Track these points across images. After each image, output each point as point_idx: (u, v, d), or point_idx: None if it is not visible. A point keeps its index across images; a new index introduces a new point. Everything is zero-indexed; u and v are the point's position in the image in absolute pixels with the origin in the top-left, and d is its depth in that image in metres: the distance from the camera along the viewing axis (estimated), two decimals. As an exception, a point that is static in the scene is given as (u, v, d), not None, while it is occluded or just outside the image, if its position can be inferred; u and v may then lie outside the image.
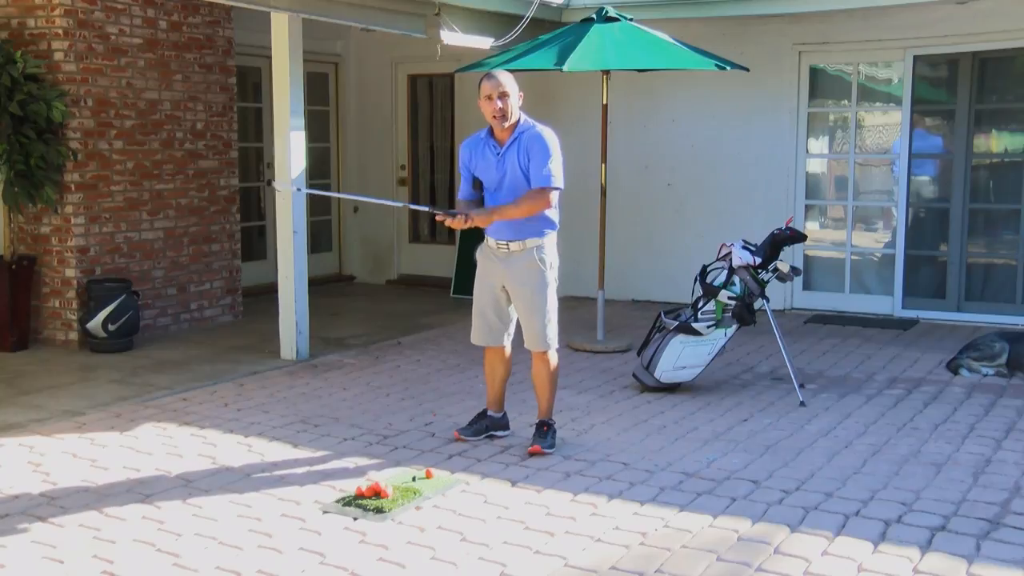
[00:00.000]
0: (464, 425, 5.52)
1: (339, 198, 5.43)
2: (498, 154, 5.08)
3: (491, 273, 5.24)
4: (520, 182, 5.05)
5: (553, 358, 5.27)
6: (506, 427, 5.57)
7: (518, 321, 5.35)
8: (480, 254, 5.32)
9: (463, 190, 5.27)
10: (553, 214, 5.16)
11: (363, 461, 5.17)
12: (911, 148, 9.03)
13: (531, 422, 5.75)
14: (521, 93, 5.09)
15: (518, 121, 5.08)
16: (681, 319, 6.46)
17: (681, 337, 6.40)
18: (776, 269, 6.49)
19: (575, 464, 5.08)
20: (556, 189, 5.01)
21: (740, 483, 4.79)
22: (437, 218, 5.09)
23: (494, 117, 5.04)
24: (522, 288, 5.16)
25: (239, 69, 9.29)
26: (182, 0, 8.44)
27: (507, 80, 5.04)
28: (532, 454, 5.18)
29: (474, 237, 5.68)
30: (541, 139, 5.02)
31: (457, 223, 5.00)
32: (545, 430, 5.30)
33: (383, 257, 11.65)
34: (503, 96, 4.98)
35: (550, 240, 5.19)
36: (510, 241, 5.11)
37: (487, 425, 5.49)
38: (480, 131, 5.23)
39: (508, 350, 5.42)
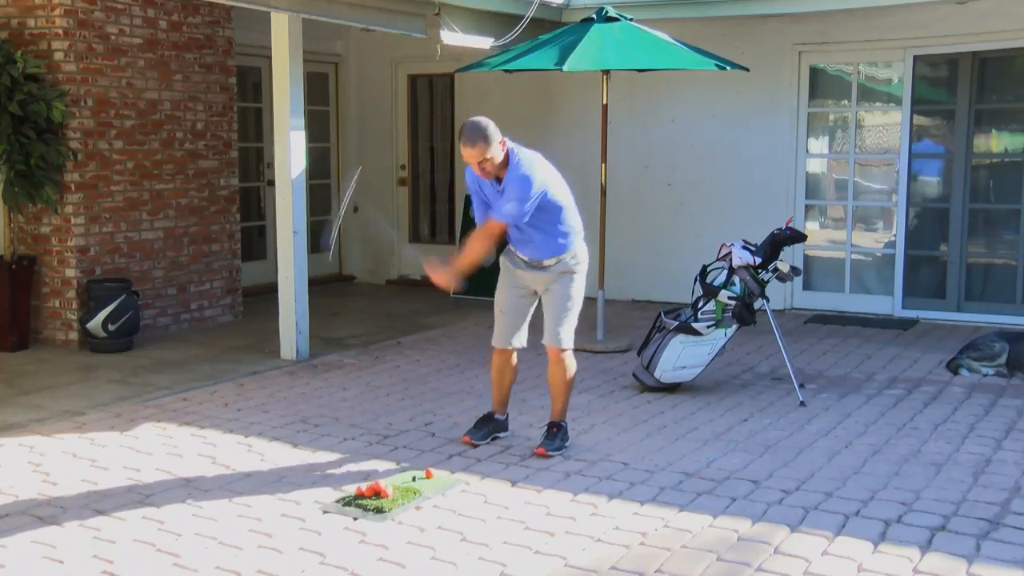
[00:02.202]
0: (472, 428, 5.51)
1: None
2: (499, 191, 5.10)
3: (521, 277, 5.30)
4: (531, 212, 5.06)
5: (570, 362, 5.29)
6: (506, 428, 5.58)
7: (530, 326, 5.40)
8: (508, 259, 5.35)
9: (478, 215, 5.28)
10: (572, 225, 5.23)
11: (363, 461, 5.17)
12: (911, 148, 9.03)
13: (531, 422, 5.77)
14: (503, 140, 4.98)
15: (507, 157, 5.03)
16: (681, 319, 6.46)
17: (681, 337, 6.40)
18: (776, 269, 6.49)
19: (575, 464, 5.08)
20: (502, 223, 5.04)
21: (740, 483, 4.79)
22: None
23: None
24: (552, 286, 5.25)
25: (239, 69, 9.29)
26: (182, 0, 8.44)
27: (482, 140, 4.90)
28: (538, 456, 5.19)
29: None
30: (519, 180, 4.98)
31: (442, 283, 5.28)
32: (555, 432, 5.31)
33: (383, 257, 11.65)
34: (481, 163, 4.96)
35: (579, 246, 5.30)
36: (544, 259, 5.21)
37: (493, 428, 5.51)
38: None
39: (516, 356, 5.43)
